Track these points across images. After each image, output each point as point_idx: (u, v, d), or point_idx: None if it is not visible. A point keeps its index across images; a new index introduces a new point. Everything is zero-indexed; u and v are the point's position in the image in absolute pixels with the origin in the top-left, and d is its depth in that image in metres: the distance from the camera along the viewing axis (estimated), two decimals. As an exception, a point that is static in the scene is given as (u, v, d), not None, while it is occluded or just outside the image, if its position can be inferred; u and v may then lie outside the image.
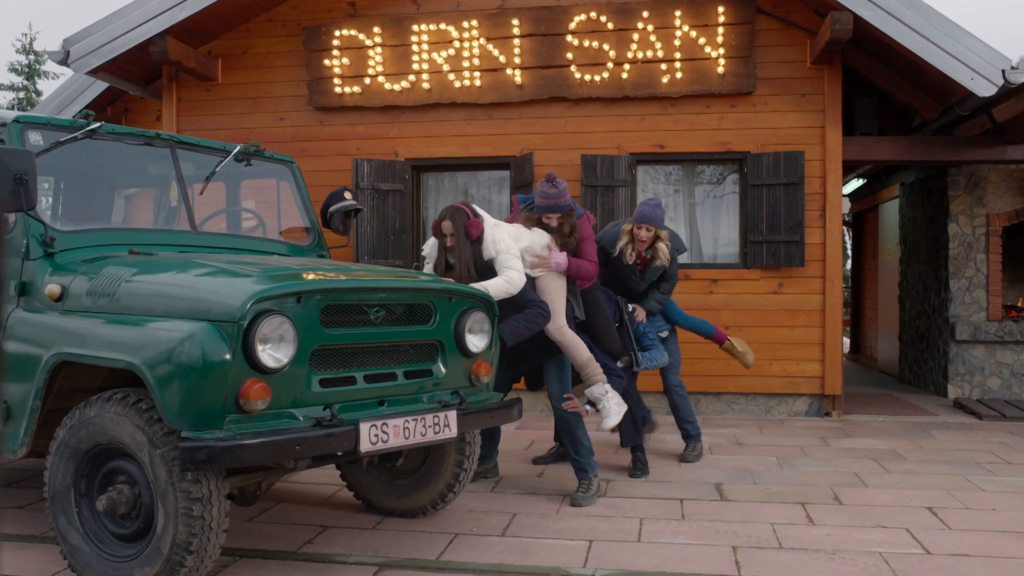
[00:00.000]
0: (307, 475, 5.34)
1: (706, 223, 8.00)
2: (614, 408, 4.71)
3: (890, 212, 11.21)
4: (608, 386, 4.73)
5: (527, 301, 4.52)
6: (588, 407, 4.87)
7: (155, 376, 3.09)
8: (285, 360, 3.22)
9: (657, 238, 5.43)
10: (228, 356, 3.07)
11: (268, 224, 5.25)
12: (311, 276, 3.49)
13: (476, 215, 4.62)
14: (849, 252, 14.34)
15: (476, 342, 4.06)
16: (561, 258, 4.82)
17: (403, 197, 8.02)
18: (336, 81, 8.10)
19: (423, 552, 3.95)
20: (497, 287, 4.40)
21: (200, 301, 3.21)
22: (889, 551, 3.96)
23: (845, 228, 15.34)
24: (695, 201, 8.01)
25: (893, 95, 7.69)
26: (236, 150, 4.77)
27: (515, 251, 4.55)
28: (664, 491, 5.04)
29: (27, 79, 31.19)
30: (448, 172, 8.33)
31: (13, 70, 31.37)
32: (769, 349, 7.63)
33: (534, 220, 4.89)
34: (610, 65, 7.67)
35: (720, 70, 7.55)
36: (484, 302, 4.14)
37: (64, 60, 7.60)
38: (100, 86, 9.19)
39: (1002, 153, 7.58)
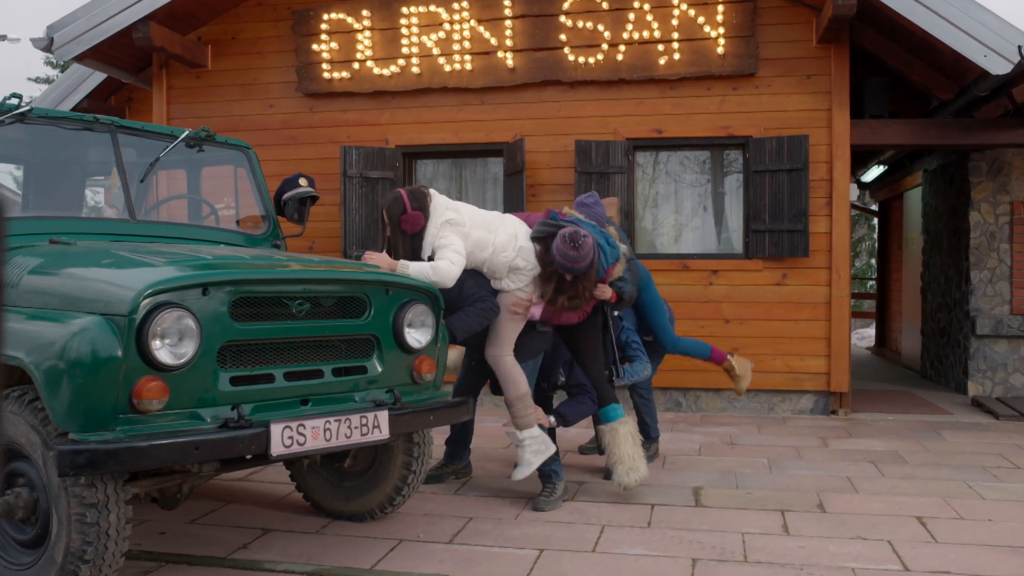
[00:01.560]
0: (265, 474, 5.14)
1: (706, 211, 7.65)
2: (528, 458, 4.33)
3: (914, 200, 10.71)
4: (530, 432, 4.33)
5: (477, 298, 4.22)
6: (553, 418, 4.58)
7: (42, 374, 2.88)
8: (186, 357, 2.99)
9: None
10: (119, 353, 2.85)
11: (226, 212, 5.06)
12: (225, 266, 3.26)
13: (417, 208, 4.22)
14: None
15: (417, 337, 3.80)
16: (537, 310, 4.40)
17: (393, 185, 7.77)
18: (325, 66, 7.88)
19: (359, 560, 3.72)
20: (421, 271, 4.00)
21: (97, 293, 3.00)
22: (863, 567, 3.63)
23: (875, 217, 14.79)
24: (694, 188, 7.66)
25: (906, 75, 7.25)
26: (184, 135, 4.54)
27: (458, 247, 4.11)
28: (637, 495, 4.72)
29: (61, 71, 31.64)
30: (440, 159, 8.07)
31: (48, 63, 31.83)
32: (772, 344, 7.28)
33: (552, 273, 4.24)
34: (605, 47, 7.34)
35: (720, 51, 7.18)
36: (427, 295, 3.88)
37: (48, 47, 7.48)
38: (101, 75, 9.07)
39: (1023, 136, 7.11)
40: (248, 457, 3.19)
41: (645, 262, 7.39)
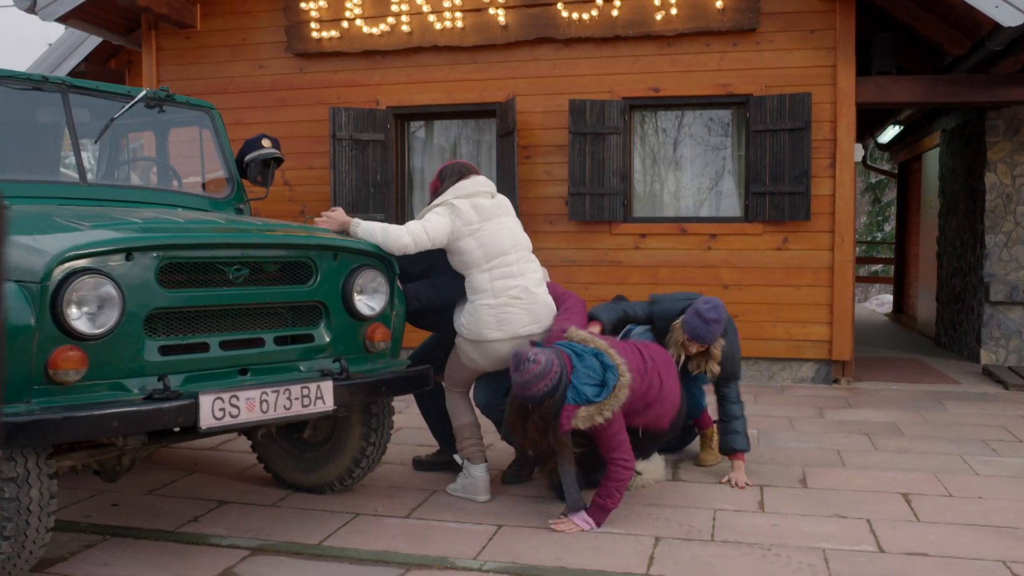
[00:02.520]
0: (235, 444, 5.04)
1: (705, 173, 7.38)
2: (455, 487, 4.13)
3: (932, 162, 10.33)
4: (467, 466, 4.09)
5: (443, 271, 4.03)
6: None
7: (-47, 343, 2.75)
8: (107, 326, 2.85)
9: (709, 355, 4.25)
10: (31, 321, 2.71)
11: (192, 174, 4.91)
12: (152, 231, 3.10)
13: (440, 179, 3.96)
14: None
15: (369, 304, 3.64)
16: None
17: (384, 148, 7.58)
18: (314, 25, 7.66)
19: (310, 535, 3.59)
20: (370, 231, 3.74)
21: (15, 259, 2.85)
22: (835, 547, 3.44)
23: (893, 179, 14.36)
24: (693, 149, 7.38)
25: (916, 30, 6.89)
26: (141, 95, 4.37)
27: (433, 225, 3.77)
28: (612, 468, 4.56)
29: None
30: (432, 120, 7.85)
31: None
32: (772, 310, 7.03)
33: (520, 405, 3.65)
34: (600, 2, 7.04)
35: (720, 5, 6.85)
36: (380, 259, 3.70)
37: (31, 8, 7.32)
38: (98, 38, 8.88)
39: (1040, 93, 6.73)
40: (177, 430, 3.06)
41: (641, 226, 7.21)
